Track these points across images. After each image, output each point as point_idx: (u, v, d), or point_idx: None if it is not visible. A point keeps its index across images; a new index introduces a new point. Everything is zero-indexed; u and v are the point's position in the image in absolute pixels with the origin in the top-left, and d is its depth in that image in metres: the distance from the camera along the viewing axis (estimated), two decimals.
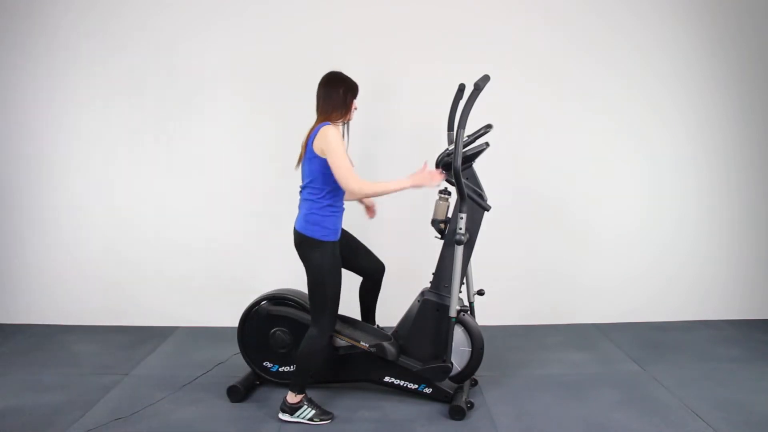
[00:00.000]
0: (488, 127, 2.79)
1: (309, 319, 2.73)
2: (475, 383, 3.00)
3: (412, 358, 2.83)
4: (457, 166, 2.55)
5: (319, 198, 2.60)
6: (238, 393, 2.84)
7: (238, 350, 3.01)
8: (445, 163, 2.78)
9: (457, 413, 2.68)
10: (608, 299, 4.02)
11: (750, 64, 3.97)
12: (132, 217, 3.90)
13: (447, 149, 2.80)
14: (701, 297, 4.07)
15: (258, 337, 2.95)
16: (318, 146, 2.52)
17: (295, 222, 2.68)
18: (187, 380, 3.07)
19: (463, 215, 2.66)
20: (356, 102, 2.67)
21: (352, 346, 2.86)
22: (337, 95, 2.59)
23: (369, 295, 2.97)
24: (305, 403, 2.69)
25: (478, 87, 2.52)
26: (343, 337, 2.84)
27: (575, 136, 3.94)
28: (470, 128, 2.82)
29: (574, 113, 3.92)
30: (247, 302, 3.00)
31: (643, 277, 4.02)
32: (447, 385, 2.83)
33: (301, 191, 2.71)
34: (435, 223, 2.85)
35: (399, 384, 2.86)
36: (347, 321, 2.96)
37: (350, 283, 2.85)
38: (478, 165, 2.81)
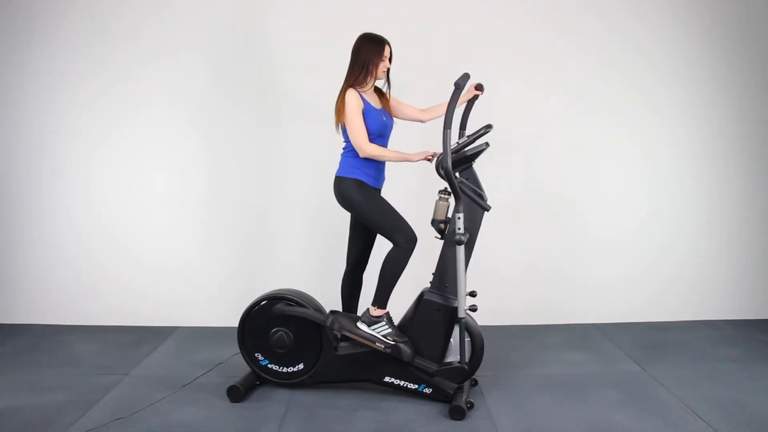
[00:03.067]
0: (488, 127, 2.79)
1: (321, 317, 2.83)
2: (475, 383, 3.00)
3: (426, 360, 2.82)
4: (447, 166, 2.57)
5: (353, 155, 2.82)
6: (238, 393, 2.84)
7: (238, 350, 3.00)
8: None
9: (457, 413, 2.68)
10: (608, 299, 4.02)
11: (750, 64, 3.97)
12: (132, 217, 3.90)
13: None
14: (701, 297, 4.06)
15: (259, 332, 2.94)
16: (341, 109, 2.76)
17: (335, 174, 2.86)
18: (187, 380, 3.07)
19: (460, 215, 2.66)
20: (386, 62, 2.80)
21: (357, 345, 2.86)
22: (361, 58, 2.77)
23: (351, 285, 3.03)
24: (385, 319, 2.80)
25: (459, 86, 2.54)
26: (357, 337, 2.82)
27: (575, 136, 3.94)
28: (470, 128, 2.83)
29: (574, 113, 3.92)
30: (247, 302, 3.00)
31: (643, 277, 4.02)
32: (447, 385, 2.83)
33: (342, 150, 2.90)
34: (435, 223, 2.85)
35: (399, 384, 2.86)
36: (352, 317, 2.93)
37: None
38: (478, 165, 2.81)
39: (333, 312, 2.90)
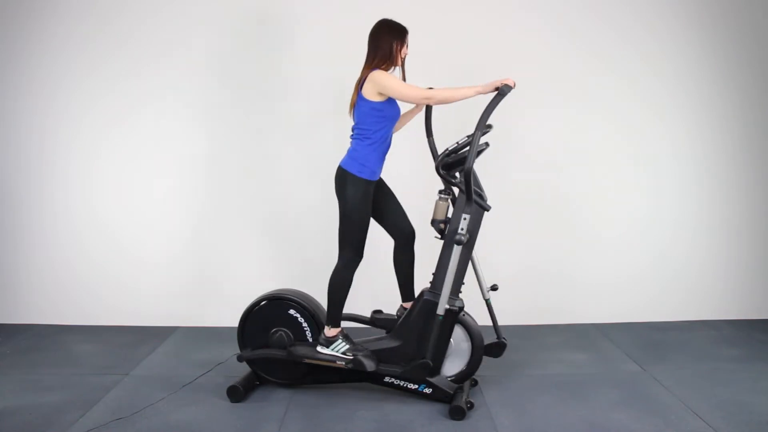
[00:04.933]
0: (488, 127, 2.79)
1: (281, 353, 2.88)
2: (475, 383, 3.00)
3: (405, 358, 2.82)
4: (470, 167, 2.59)
5: (363, 137, 2.77)
6: (238, 393, 2.84)
7: (238, 350, 3.00)
8: (445, 164, 2.79)
9: (457, 413, 2.68)
10: (608, 299, 4.02)
11: (750, 64, 3.97)
12: (132, 216, 3.90)
13: (447, 149, 2.80)
14: (701, 297, 4.06)
15: (259, 331, 2.94)
16: (370, 90, 2.70)
17: (340, 164, 2.82)
18: (187, 380, 3.07)
19: (467, 216, 2.67)
20: (405, 48, 2.79)
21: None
22: (384, 44, 2.74)
23: (404, 263, 2.98)
24: (340, 337, 2.83)
25: (503, 93, 2.57)
26: (318, 362, 2.84)
27: (575, 136, 3.94)
28: (470, 128, 2.82)
29: (574, 113, 3.92)
30: (247, 302, 3.00)
31: (643, 277, 4.02)
32: (447, 385, 2.83)
33: (351, 135, 2.85)
34: (435, 223, 2.85)
35: (399, 384, 2.86)
36: (311, 345, 2.91)
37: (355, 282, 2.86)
38: (478, 165, 2.81)
39: (290, 345, 2.89)
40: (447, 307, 2.73)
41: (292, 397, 2.90)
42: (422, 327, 2.79)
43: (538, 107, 3.87)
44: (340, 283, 2.82)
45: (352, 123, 2.87)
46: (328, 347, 2.83)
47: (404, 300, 3.01)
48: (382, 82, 2.67)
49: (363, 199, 2.76)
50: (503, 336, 2.95)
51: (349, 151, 2.81)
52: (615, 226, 4.00)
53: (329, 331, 2.85)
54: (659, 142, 3.98)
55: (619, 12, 3.90)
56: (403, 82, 2.75)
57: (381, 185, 2.93)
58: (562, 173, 3.95)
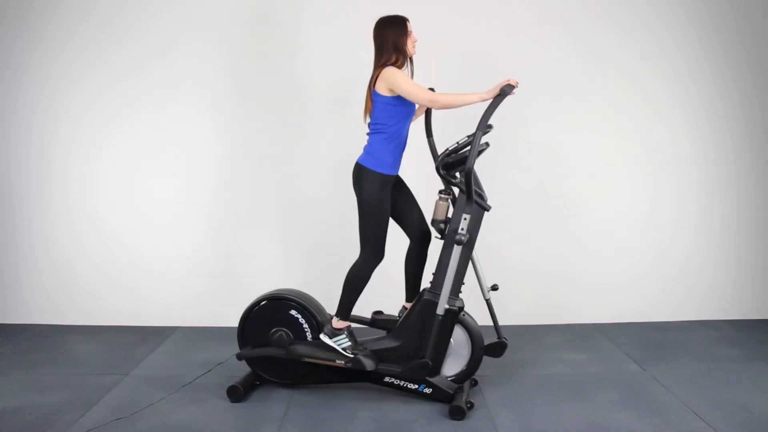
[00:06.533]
0: (489, 127, 2.79)
1: (281, 352, 2.88)
2: (475, 383, 3.00)
3: (405, 359, 2.82)
4: (471, 167, 2.60)
5: (378, 132, 2.78)
6: (238, 393, 2.84)
7: (239, 350, 3.00)
8: (445, 164, 2.79)
9: (457, 413, 2.68)
10: (608, 299, 4.02)
11: (750, 64, 3.97)
12: (132, 216, 3.90)
13: (447, 149, 2.80)
14: (701, 297, 4.06)
15: (259, 331, 2.94)
16: (382, 86, 2.71)
17: (358, 160, 2.82)
18: (187, 380, 3.07)
19: (467, 216, 2.67)
20: (412, 36, 2.78)
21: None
22: (388, 40, 2.74)
23: (415, 263, 2.98)
24: (345, 332, 2.83)
25: (504, 92, 2.60)
26: (318, 360, 2.84)
27: (575, 136, 3.94)
28: (471, 128, 2.82)
29: (574, 113, 3.92)
30: (247, 302, 3.00)
31: (643, 277, 4.02)
32: (447, 385, 2.83)
33: (367, 133, 2.85)
34: (435, 223, 2.85)
35: (399, 384, 2.86)
36: (314, 344, 2.91)
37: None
38: (478, 165, 2.81)
39: (290, 343, 2.89)
40: (446, 306, 2.73)
41: (292, 397, 2.90)
42: (422, 327, 2.79)
43: (537, 107, 3.86)
44: (357, 279, 2.81)
45: (361, 121, 2.87)
46: (331, 338, 2.83)
47: (408, 300, 3.01)
48: (392, 78, 2.68)
49: (380, 195, 2.75)
50: (504, 336, 2.95)
51: (365, 147, 2.82)
52: (615, 226, 4.00)
53: (337, 323, 2.84)
54: (659, 142, 3.98)
55: (619, 12, 3.89)
56: (411, 80, 2.74)
57: (401, 185, 2.93)
58: (562, 173, 3.95)
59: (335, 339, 2.83)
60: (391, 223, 2.88)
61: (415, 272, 2.99)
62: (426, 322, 2.79)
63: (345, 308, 2.84)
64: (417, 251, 2.97)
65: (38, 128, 3.86)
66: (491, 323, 2.99)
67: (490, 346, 2.92)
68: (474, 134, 2.61)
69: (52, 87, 3.83)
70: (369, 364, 2.79)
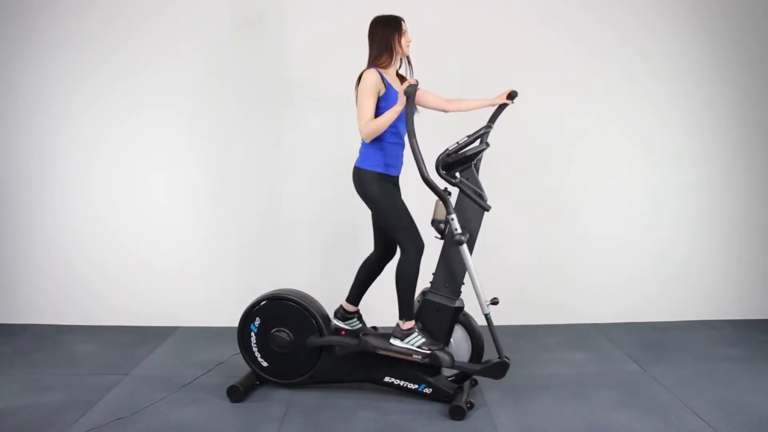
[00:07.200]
0: (488, 127, 2.79)
1: (354, 344, 2.85)
2: (475, 383, 3.00)
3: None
4: (427, 176, 2.61)
5: (377, 143, 2.74)
6: (238, 393, 2.84)
7: (238, 350, 3.00)
8: (445, 164, 2.79)
9: (457, 413, 2.68)
10: (608, 299, 4.02)
11: (750, 64, 3.97)
12: (132, 217, 3.90)
13: (447, 149, 2.80)
14: (701, 297, 4.06)
15: (259, 330, 2.94)
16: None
17: (355, 164, 2.80)
18: (187, 380, 3.07)
19: (453, 216, 2.68)
20: (406, 36, 2.77)
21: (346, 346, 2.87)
22: (380, 40, 2.74)
23: (370, 270, 2.96)
24: (416, 330, 2.78)
25: (409, 94, 2.55)
26: (393, 354, 2.79)
27: (575, 136, 3.94)
28: (472, 128, 2.82)
29: (574, 113, 3.93)
30: (247, 302, 3.00)
31: (643, 277, 4.02)
32: (447, 385, 2.83)
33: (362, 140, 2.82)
34: (435, 223, 2.85)
35: (399, 384, 2.86)
36: (382, 335, 2.87)
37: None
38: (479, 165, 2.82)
39: (364, 334, 2.85)
40: (448, 305, 2.74)
41: (292, 397, 2.90)
42: (431, 327, 2.80)
43: (537, 107, 3.86)
44: (407, 276, 2.74)
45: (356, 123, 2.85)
46: (403, 340, 2.78)
47: (349, 301, 2.99)
48: (361, 85, 2.69)
49: (385, 191, 2.73)
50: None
51: (360, 149, 2.81)
52: (615, 226, 4.00)
53: (404, 324, 2.78)
54: (659, 142, 3.98)
55: (619, 12, 3.90)
56: (368, 98, 2.64)
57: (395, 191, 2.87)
58: (562, 173, 3.95)
59: (408, 339, 2.77)
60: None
61: (366, 279, 2.97)
62: (427, 322, 2.80)
63: (407, 308, 2.77)
64: (376, 263, 2.96)
65: (38, 128, 3.86)
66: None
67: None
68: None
69: (52, 87, 3.83)
70: (446, 360, 2.74)
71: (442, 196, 2.70)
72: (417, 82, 2.59)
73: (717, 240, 4.05)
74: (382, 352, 2.79)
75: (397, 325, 2.81)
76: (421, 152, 2.63)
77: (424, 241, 2.77)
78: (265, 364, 2.96)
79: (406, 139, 2.74)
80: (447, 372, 2.91)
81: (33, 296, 3.95)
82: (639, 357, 3.40)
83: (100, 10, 3.79)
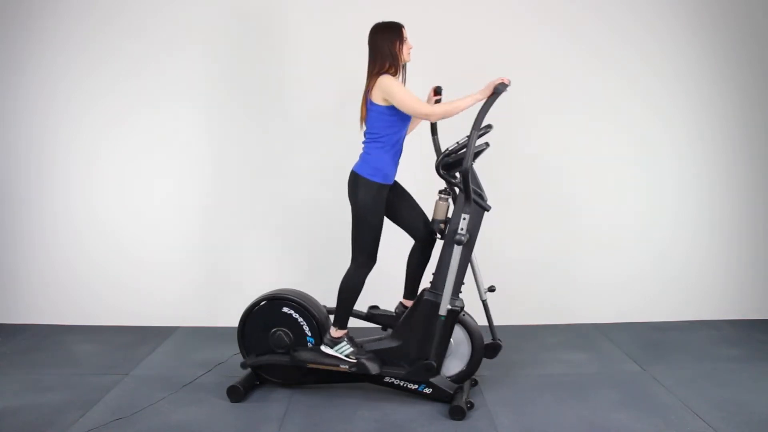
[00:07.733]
0: (488, 127, 2.79)
1: (283, 359, 2.89)
2: (475, 383, 3.00)
3: (406, 359, 2.82)
4: (468, 167, 2.60)
5: (374, 140, 2.76)
6: (238, 393, 2.84)
7: (238, 350, 3.00)
8: (445, 164, 2.79)
9: (457, 413, 2.68)
10: (608, 299, 4.02)
11: (750, 64, 3.97)
12: (132, 216, 3.90)
13: (447, 149, 2.80)
14: (701, 297, 4.06)
15: (259, 331, 2.94)
16: (378, 96, 2.70)
17: (354, 168, 2.81)
18: (187, 380, 3.07)
19: (467, 216, 2.67)
20: (407, 43, 2.77)
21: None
22: (382, 47, 2.73)
23: (416, 262, 2.97)
24: (345, 339, 2.83)
25: (498, 91, 2.60)
26: (321, 366, 2.84)
27: (575, 136, 3.94)
28: (468, 128, 2.82)
29: (574, 113, 3.92)
30: (247, 302, 3.00)
31: (643, 277, 4.02)
32: (447, 385, 2.83)
33: (363, 141, 2.84)
34: (435, 223, 2.86)
35: (399, 384, 2.86)
36: (314, 350, 2.90)
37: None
38: (478, 165, 2.81)
39: (294, 349, 2.89)
40: (449, 307, 2.73)
41: (292, 397, 2.90)
42: (423, 327, 2.79)
43: (537, 107, 3.86)
44: (351, 287, 2.80)
45: (359, 125, 2.86)
46: (332, 348, 2.83)
47: (406, 297, 3.01)
48: (388, 89, 2.66)
49: (375, 203, 2.74)
50: (499, 337, 2.94)
51: (362, 155, 2.79)
52: (615, 226, 4.00)
53: (335, 332, 2.84)
54: (659, 142, 3.98)
55: (619, 12, 3.89)
56: (407, 92, 2.68)
57: (399, 189, 2.91)
58: (562, 173, 3.95)
59: (336, 347, 2.83)
60: (389, 224, 2.87)
61: (416, 271, 2.99)
62: (426, 322, 2.79)
63: (342, 317, 2.84)
64: (421, 251, 2.96)
65: (38, 128, 3.86)
66: (487, 323, 2.98)
67: (485, 347, 2.92)
68: (470, 134, 2.61)
69: (52, 87, 3.83)
70: (373, 367, 2.80)
71: (469, 195, 2.68)
72: (510, 82, 2.62)
73: (717, 240, 4.05)
74: (311, 365, 2.84)
75: (329, 332, 2.86)
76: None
77: (377, 260, 2.81)
78: None
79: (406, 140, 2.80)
80: (448, 372, 2.91)
81: (33, 296, 3.95)
82: (639, 357, 3.40)
83: (100, 10, 3.79)
